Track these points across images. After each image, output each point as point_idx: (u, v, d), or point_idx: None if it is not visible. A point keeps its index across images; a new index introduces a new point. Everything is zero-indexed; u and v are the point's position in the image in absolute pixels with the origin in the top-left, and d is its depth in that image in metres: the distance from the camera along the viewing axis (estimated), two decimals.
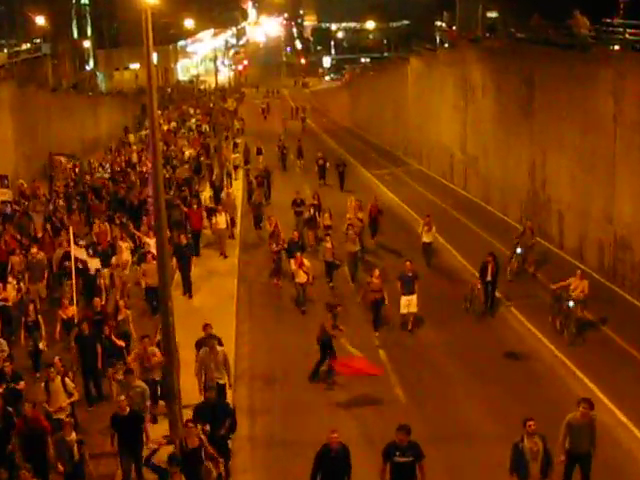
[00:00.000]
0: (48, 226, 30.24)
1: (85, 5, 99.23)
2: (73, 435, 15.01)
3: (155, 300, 23.34)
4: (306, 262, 25.43)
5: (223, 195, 36.44)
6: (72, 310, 21.66)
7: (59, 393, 17.07)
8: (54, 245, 27.64)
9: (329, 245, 27.39)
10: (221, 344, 18.71)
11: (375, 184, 46.26)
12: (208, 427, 15.13)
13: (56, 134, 53.40)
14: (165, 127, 64.86)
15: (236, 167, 47.98)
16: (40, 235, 29.17)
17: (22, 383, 17.65)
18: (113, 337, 19.80)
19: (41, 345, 20.88)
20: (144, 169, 43.70)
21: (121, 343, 19.88)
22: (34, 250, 26.21)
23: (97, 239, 28.50)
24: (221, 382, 17.86)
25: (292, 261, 26.09)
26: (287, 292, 26.77)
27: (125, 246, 27.38)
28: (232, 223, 33.97)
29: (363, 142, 65.42)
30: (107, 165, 47.74)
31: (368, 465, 14.65)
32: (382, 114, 64.02)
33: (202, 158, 48.86)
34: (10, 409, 16.09)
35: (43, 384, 17.09)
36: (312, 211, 32.60)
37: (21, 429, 15.61)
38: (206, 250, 31.53)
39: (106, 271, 25.89)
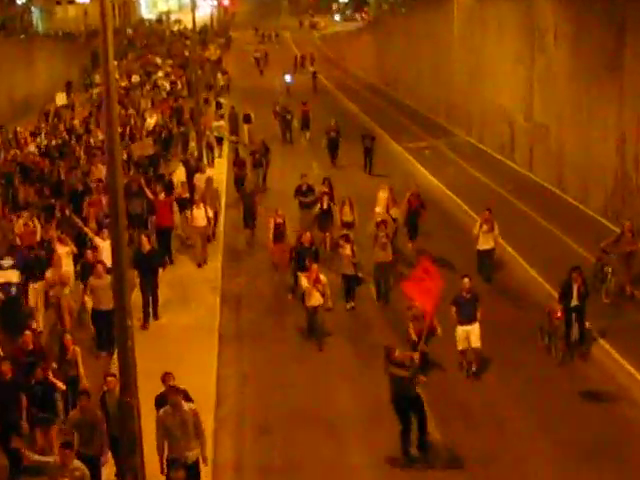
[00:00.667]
0: None
1: None
2: None
3: (106, 330, 22.42)
4: (322, 277, 23.99)
5: (201, 179, 34.70)
6: None
7: None
8: None
9: (348, 251, 25.95)
10: (189, 399, 17.20)
11: (410, 163, 44.93)
12: None
13: None
14: (123, 83, 63.61)
15: (220, 140, 46.29)
16: None
17: None
18: (52, 379, 18.42)
19: None
20: (92, 141, 42.71)
21: (61, 386, 18.53)
22: None
23: (21, 241, 27.07)
24: (191, 456, 16.45)
25: (303, 276, 24.48)
26: (291, 318, 25.46)
27: (65, 251, 25.79)
28: (214, 219, 32.11)
29: (392, 104, 63.95)
30: (42, 136, 46.49)
31: None
32: (419, 66, 62.19)
33: (172, 127, 47.25)
34: None
35: None
36: (326, 203, 30.81)
37: None
38: (178, 256, 30.34)
39: (38, 287, 24.35)
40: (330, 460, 18.62)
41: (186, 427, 16.30)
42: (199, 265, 29.73)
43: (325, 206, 30.54)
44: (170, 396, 16.63)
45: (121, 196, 16.79)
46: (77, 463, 15.23)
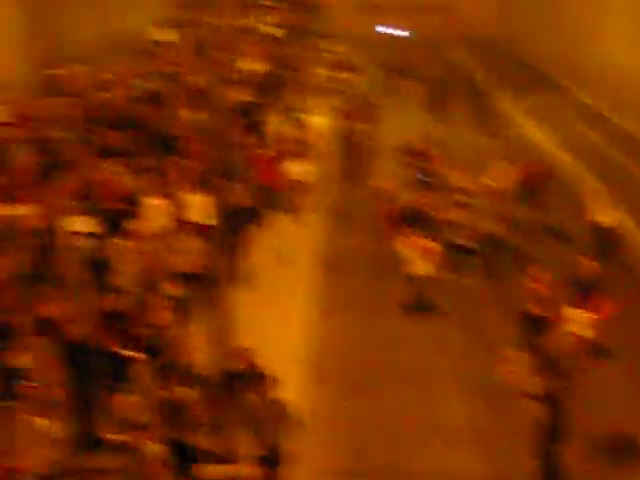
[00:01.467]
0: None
1: None
2: None
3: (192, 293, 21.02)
4: (430, 244, 22.33)
5: (305, 131, 33.38)
6: (58, 304, 18.49)
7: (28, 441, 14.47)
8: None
9: (462, 219, 24.33)
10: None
11: (524, 123, 42.63)
12: None
13: (72, 29, 51.62)
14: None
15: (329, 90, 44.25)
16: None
17: None
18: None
19: None
20: (191, 82, 41.01)
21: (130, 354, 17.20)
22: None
23: (107, 191, 25.49)
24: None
25: (403, 240, 22.87)
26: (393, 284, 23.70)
27: (157, 204, 24.18)
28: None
29: (513, 60, 61.24)
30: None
31: None
32: (541, 17, 58.74)
33: (279, 74, 45.04)
34: None
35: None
36: (433, 165, 29.09)
37: None
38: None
39: (120, 242, 22.62)
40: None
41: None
42: (297, 222, 28.23)
43: (432, 167, 28.75)
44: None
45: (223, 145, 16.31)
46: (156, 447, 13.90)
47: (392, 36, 61.27)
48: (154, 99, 37.64)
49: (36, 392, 15.38)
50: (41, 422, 14.44)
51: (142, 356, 17.39)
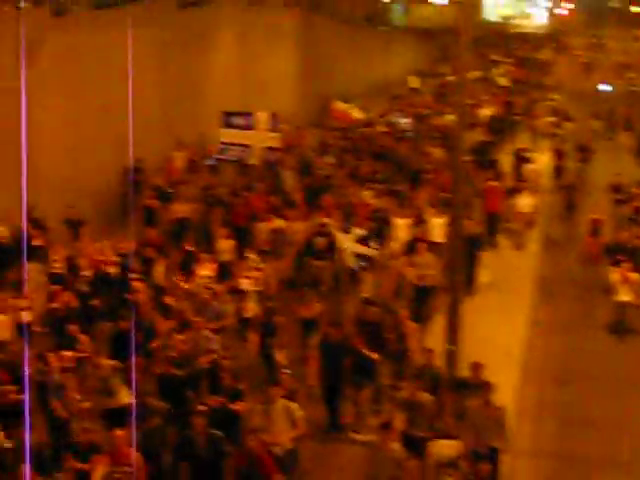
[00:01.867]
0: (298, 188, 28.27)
1: None
2: None
3: (424, 305, 20.82)
4: (634, 276, 21.15)
5: (529, 169, 32.25)
6: (317, 307, 18.84)
7: (280, 421, 14.25)
8: (307, 214, 25.30)
9: None
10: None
11: None
12: None
13: (342, 73, 52.24)
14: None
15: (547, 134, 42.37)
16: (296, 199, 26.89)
17: (240, 403, 14.98)
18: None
19: (278, 355, 17.74)
20: (436, 123, 40.86)
21: (374, 356, 16.84)
22: (289, 218, 24.23)
23: (359, 210, 25.67)
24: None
25: (613, 270, 21.90)
26: (600, 310, 22.64)
27: (403, 223, 24.13)
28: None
29: None
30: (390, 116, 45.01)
31: None
32: None
33: (506, 119, 44.22)
34: (218, 433, 13.61)
35: (262, 406, 14.47)
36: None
37: (239, 466, 13.26)
38: (501, 239, 27.78)
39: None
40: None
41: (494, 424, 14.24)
42: (519, 247, 27.29)
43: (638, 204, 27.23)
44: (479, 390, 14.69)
45: (461, 177, 17.11)
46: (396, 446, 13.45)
47: (601, 90, 58.93)
48: (406, 136, 37.83)
49: (290, 381, 15.44)
50: (292, 406, 14.47)
51: (385, 358, 17.31)
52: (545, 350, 21.06)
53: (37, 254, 21.88)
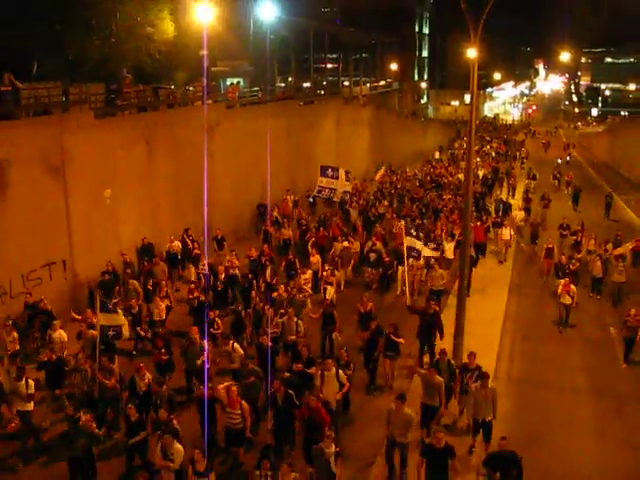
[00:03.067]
0: (359, 220, 27.36)
1: (425, 57, 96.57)
2: (332, 448, 10.71)
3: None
4: (572, 287, 19.41)
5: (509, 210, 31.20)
6: (369, 305, 17.00)
7: (332, 383, 12.99)
8: (364, 236, 24.89)
9: (599, 263, 21.66)
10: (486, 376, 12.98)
11: (625, 209, 37.31)
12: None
13: (396, 145, 51.28)
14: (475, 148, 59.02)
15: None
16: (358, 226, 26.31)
17: (313, 368, 13.71)
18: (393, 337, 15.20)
19: (334, 334, 16.39)
20: (448, 180, 39.21)
21: (401, 340, 15.32)
22: (350, 240, 23.25)
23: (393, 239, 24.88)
24: (488, 418, 12.60)
25: (558, 282, 20.24)
26: (550, 308, 20.71)
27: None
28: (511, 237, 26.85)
29: (616, 174, 54.35)
30: (419, 174, 43.55)
31: None
32: (634, 154, 52.52)
33: (493, 178, 41.60)
34: (291, 392, 12.42)
35: (319, 372, 13.16)
36: (579, 236, 25.59)
37: (303, 416, 12.02)
38: (489, 256, 25.91)
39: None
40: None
41: (488, 400, 12.58)
42: (500, 262, 25.63)
43: (579, 239, 25.54)
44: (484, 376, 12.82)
45: (468, 215, 16.53)
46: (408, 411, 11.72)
47: (555, 160, 56.13)
48: (430, 186, 36.40)
49: (344, 355, 14.11)
50: (341, 372, 13.29)
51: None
52: (513, 332, 19.45)
53: (194, 260, 21.61)
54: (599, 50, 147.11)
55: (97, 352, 14.04)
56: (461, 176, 39.48)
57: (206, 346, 14.51)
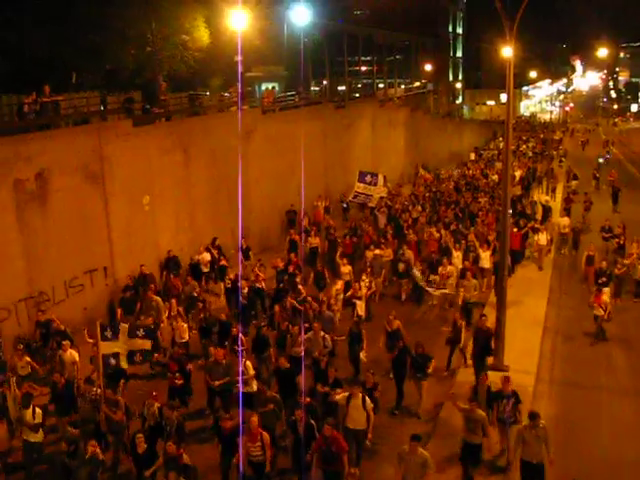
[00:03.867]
0: (389, 227, 25.38)
1: (459, 58, 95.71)
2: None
3: (469, 316, 17.93)
4: (604, 298, 18.37)
5: (545, 211, 29.71)
6: (397, 323, 15.50)
7: (358, 411, 11.96)
8: (394, 245, 23.12)
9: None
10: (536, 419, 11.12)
11: None
12: None
13: (432, 147, 50.96)
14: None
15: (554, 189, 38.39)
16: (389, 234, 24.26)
17: (339, 391, 12.55)
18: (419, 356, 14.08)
19: (361, 354, 15.35)
20: (484, 182, 37.97)
21: (430, 365, 13.99)
22: (383, 248, 22.07)
23: (427, 244, 23.65)
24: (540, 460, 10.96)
25: (591, 291, 19.32)
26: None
27: (456, 255, 21.44)
28: (550, 241, 25.91)
29: None
30: (455, 175, 42.81)
31: None
32: None
33: (530, 179, 40.40)
34: (313, 423, 11.54)
35: (344, 400, 12.10)
36: (621, 239, 23.67)
37: (319, 447, 11.09)
38: (526, 263, 24.50)
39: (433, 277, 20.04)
40: None
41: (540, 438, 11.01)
42: (540, 269, 24.27)
43: (621, 242, 23.57)
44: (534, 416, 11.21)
45: (506, 223, 16.00)
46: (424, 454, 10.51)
47: (594, 158, 54.72)
48: (465, 188, 35.56)
49: (371, 378, 13.25)
50: (367, 400, 12.15)
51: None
52: (553, 337, 18.67)
53: (222, 271, 20.79)
54: (637, 45, 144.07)
55: (101, 384, 12.98)
56: (495, 177, 38.88)
57: (240, 367, 13.32)
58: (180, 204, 22.59)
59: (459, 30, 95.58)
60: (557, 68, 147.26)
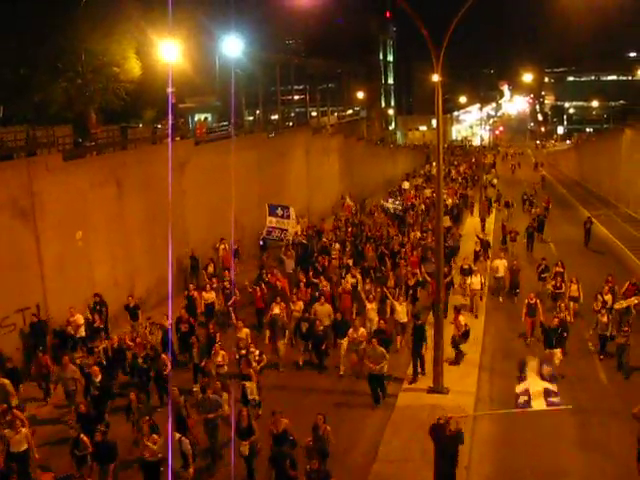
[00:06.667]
0: (301, 273, 22.88)
1: (390, 85, 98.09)
2: None
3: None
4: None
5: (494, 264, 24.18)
6: (285, 423, 12.55)
7: None
8: (307, 295, 20.18)
9: (605, 319, 18.05)
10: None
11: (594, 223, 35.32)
12: None
13: (366, 173, 51.83)
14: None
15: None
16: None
17: None
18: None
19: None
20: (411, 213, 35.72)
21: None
22: (294, 300, 19.60)
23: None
24: None
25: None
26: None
27: (371, 307, 19.21)
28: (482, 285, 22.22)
29: (585, 190, 55.42)
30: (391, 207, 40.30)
31: None
32: (600, 169, 53.82)
33: (462, 206, 40.03)
34: None
35: None
36: (559, 282, 21.11)
37: None
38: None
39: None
40: None
41: None
42: (475, 317, 21.31)
43: (558, 285, 21.09)
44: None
45: (441, 256, 15.76)
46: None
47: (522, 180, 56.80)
48: (396, 220, 33.87)
49: None
50: None
51: None
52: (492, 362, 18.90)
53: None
54: (561, 70, 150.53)
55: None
56: (423, 207, 38.06)
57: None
58: (114, 238, 22.40)
59: (390, 57, 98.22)
60: (486, 93, 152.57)
